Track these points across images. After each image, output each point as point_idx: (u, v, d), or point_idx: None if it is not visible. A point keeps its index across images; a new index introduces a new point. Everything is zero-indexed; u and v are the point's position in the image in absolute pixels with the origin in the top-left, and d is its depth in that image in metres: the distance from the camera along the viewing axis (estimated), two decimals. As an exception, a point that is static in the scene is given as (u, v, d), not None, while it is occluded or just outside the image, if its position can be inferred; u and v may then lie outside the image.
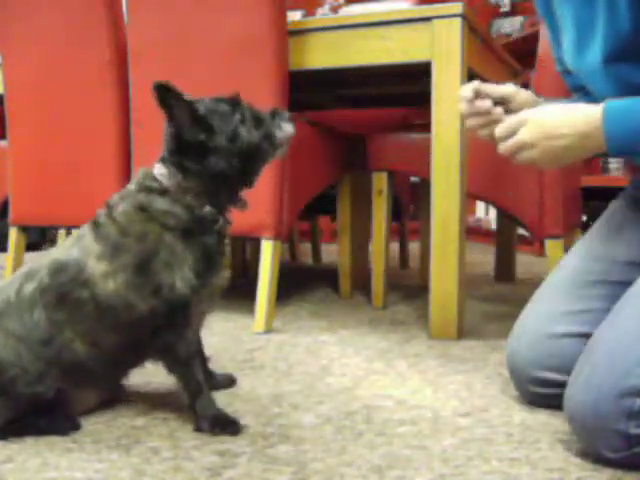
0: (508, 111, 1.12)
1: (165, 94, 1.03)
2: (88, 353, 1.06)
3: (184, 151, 1.09)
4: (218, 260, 1.12)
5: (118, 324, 1.06)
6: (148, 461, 0.96)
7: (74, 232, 1.15)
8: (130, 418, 1.14)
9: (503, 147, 1.05)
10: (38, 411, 1.05)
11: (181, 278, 1.06)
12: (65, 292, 1.05)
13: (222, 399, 1.23)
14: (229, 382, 1.33)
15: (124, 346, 1.09)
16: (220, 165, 1.09)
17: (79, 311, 1.05)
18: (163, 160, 1.11)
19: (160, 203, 1.08)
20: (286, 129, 1.18)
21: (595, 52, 1.08)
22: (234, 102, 1.13)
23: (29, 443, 1.03)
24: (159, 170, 1.10)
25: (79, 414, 1.12)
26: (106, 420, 1.13)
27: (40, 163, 2.11)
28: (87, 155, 2.04)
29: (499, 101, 1.12)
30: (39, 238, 3.65)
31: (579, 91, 1.25)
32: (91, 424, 1.11)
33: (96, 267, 1.05)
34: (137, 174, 1.13)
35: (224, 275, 1.16)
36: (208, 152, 1.08)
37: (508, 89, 1.14)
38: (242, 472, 0.93)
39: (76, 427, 1.09)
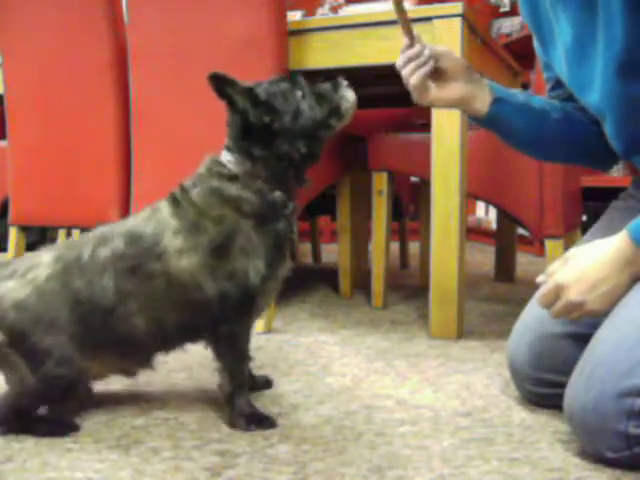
0: (438, 70, 1.15)
1: (221, 83, 1.05)
2: (145, 328, 1.07)
3: (250, 137, 1.10)
4: (286, 249, 1.14)
5: (183, 303, 1.07)
6: (148, 461, 0.96)
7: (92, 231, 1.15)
8: (130, 418, 1.14)
9: (553, 314, 1.03)
10: (60, 393, 1.05)
11: (254, 267, 1.07)
12: (138, 263, 1.06)
13: (222, 399, 1.23)
14: (266, 383, 1.32)
15: (182, 326, 1.09)
16: (286, 147, 1.10)
17: (148, 284, 1.06)
18: (228, 148, 1.12)
19: (232, 189, 1.09)
20: (349, 97, 1.17)
21: (599, 61, 1.06)
22: (293, 80, 1.13)
23: (29, 443, 1.03)
24: (226, 157, 1.12)
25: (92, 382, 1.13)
26: (106, 420, 1.13)
27: (40, 163, 2.10)
28: (87, 155, 2.04)
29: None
30: (39, 238, 3.64)
31: (568, 102, 1.24)
32: (91, 424, 1.11)
33: (171, 242, 1.06)
34: (205, 161, 1.14)
35: (288, 265, 1.16)
36: (274, 135, 1.09)
37: (439, 48, 1.16)
38: (242, 472, 0.93)
39: (75, 429, 1.09)
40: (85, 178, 2.05)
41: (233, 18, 1.77)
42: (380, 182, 2.07)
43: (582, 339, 1.03)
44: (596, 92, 1.08)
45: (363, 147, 2.14)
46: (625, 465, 0.92)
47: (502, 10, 4.13)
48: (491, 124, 1.22)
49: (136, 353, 1.12)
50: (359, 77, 2.10)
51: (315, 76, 1.97)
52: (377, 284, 2.11)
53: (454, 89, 1.17)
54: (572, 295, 0.99)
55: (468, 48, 1.71)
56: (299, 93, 1.11)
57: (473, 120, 1.25)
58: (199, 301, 1.07)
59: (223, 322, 1.09)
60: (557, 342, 1.14)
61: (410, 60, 1.13)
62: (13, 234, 2.20)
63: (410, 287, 2.52)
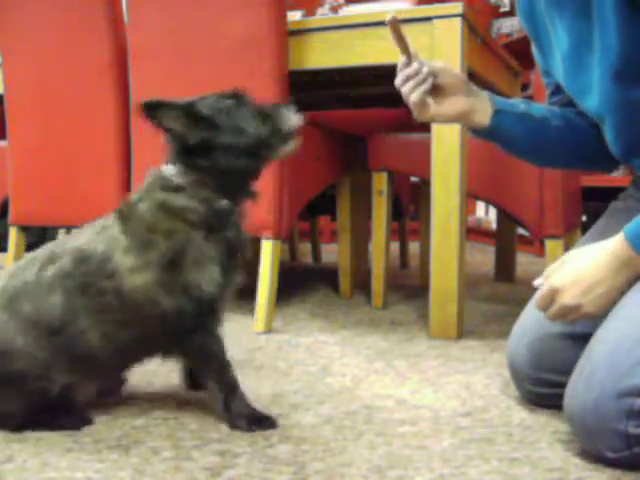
0: (436, 86, 1.15)
1: (151, 111, 1.05)
2: (100, 344, 1.06)
3: (190, 150, 1.09)
4: (238, 257, 1.14)
5: (137, 319, 1.07)
6: (148, 461, 0.96)
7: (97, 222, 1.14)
8: (130, 418, 1.14)
9: (549, 316, 1.03)
10: (46, 406, 1.05)
11: (209, 276, 1.07)
12: (88, 282, 1.05)
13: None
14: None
15: (139, 341, 1.09)
16: (227, 161, 1.10)
17: (99, 301, 1.05)
18: (170, 161, 1.12)
19: (178, 200, 1.09)
20: (292, 120, 1.16)
21: (596, 68, 1.05)
22: (238, 97, 1.13)
23: (29, 443, 1.03)
24: (169, 170, 1.11)
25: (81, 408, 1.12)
26: (106, 420, 1.13)
27: (40, 163, 2.10)
28: (87, 155, 2.04)
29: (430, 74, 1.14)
30: (39, 238, 3.64)
31: (568, 107, 1.24)
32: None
33: (123, 260, 1.05)
34: (148, 175, 1.13)
35: (240, 274, 1.16)
36: (214, 149, 1.09)
37: (437, 64, 1.16)
38: (242, 472, 0.93)
39: (88, 422, 1.09)
40: (85, 178, 2.05)
41: (233, 18, 1.77)
42: (380, 182, 2.07)
43: (582, 339, 1.03)
44: (595, 98, 1.08)
45: (363, 147, 2.14)
46: (625, 465, 0.92)
47: (502, 10, 4.14)
48: (492, 136, 1.23)
49: (100, 371, 1.11)
50: (359, 77, 2.10)
51: (315, 76, 1.97)
52: (377, 284, 2.11)
53: (454, 104, 1.17)
54: (567, 298, 0.99)
55: (468, 48, 1.71)
56: (244, 111, 1.12)
57: (474, 133, 1.25)
58: (155, 316, 1.06)
59: (190, 338, 1.09)
60: (557, 342, 1.14)
61: (409, 78, 1.13)
62: (13, 234, 2.20)
63: (410, 287, 2.52)
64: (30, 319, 1.04)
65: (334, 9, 2.23)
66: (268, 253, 1.78)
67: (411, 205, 3.12)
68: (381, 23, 1.73)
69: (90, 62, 1.98)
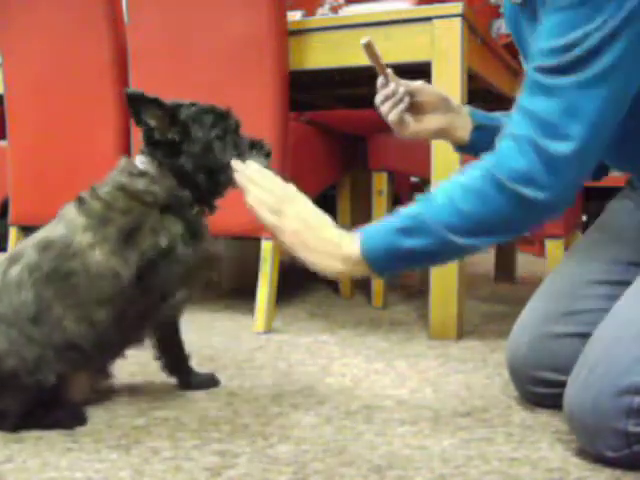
0: (415, 104, 1.19)
1: (133, 101, 1.11)
2: (78, 330, 1.06)
3: (159, 146, 1.15)
4: (202, 230, 1.18)
5: (107, 296, 1.08)
6: (148, 461, 0.96)
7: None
8: (130, 418, 1.14)
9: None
10: (43, 401, 1.06)
11: (168, 234, 1.11)
12: (55, 266, 1.07)
13: (222, 399, 1.23)
14: (212, 381, 1.32)
15: (115, 322, 1.09)
16: (189, 166, 1.15)
17: (69, 284, 1.07)
18: (142, 152, 1.17)
19: (140, 184, 1.14)
20: (259, 163, 1.17)
21: None
22: (220, 116, 1.18)
23: (29, 443, 1.03)
24: (140, 159, 1.16)
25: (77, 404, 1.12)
26: (106, 420, 1.13)
27: (40, 163, 2.11)
28: (87, 155, 2.04)
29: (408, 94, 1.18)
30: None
31: None
32: (91, 424, 1.10)
33: (82, 238, 1.08)
34: (119, 163, 1.18)
35: (212, 241, 1.22)
36: (181, 153, 1.15)
37: (414, 83, 1.19)
38: (242, 472, 0.93)
39: (84, 418, 1.10)
40: (85, 178, 2.03)
41: (233, 18, 1.77)
42: (380, 182, 2.07)
43: (581, 339, 1.03)
44: None
45: (363, 147, 2.14)
46: (625, 464, 0.92)
47: (502, 10, 4.13)
48: (473, 151, 1.25)
49: (84, 360, 1.10)
50: (359, 77, 2.10)
51: (315, 76, 1.97)
52: (377, 284, 2.11)
53: (433, 121, 1.21)
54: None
55: (468, 48, 1.71)
56: (217, 131, 1.16)
57: (457, 149, 1.27)
58: (120, 290, 1.08)
59: (157, 311, 1.15)
60: (556, 342, 1.14)
61: (387, 98, 1.17)
62: (13, 234, 2.20)
63: (410, 287, 2.52)
64: (7, 320, 1.05)
65: (334, 9, 2.23)
66: (268, 253, 1.78)
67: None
68: (381, 23, 1.74)
69: (90, 62, 1.98)
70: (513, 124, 0.95)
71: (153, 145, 1.15)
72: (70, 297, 1.07)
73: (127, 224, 1.10)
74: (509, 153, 0.93)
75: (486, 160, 0.96)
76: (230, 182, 1.16)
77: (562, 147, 0.90)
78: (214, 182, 1.18)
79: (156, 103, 1.13)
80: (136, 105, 1.12)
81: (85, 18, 1.97)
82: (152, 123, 1.13)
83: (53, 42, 2.03)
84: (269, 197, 1.03)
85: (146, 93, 1.12)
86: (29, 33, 2.05)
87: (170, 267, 1.12)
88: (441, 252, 0.98)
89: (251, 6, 1.74)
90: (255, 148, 1.19)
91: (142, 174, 1.14)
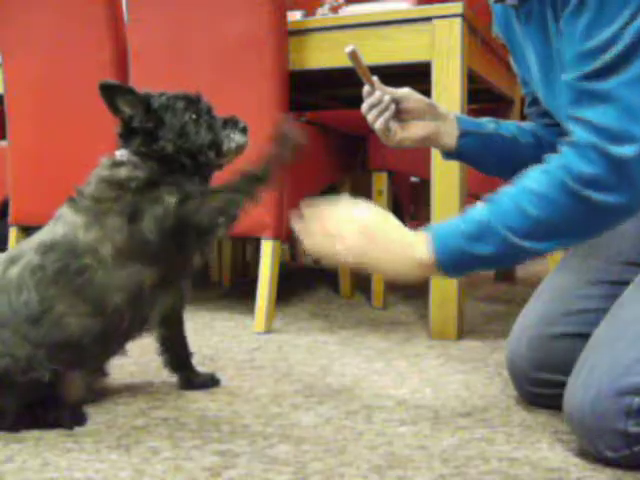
0: (401, 111, 1.19)
1: (107, 91, 1.16)
2: (80, 326, 1.06)
3: (135, 135, 1.17)
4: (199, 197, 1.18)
5: (124, 283, 1.09)
6: (148, 461, 0.96)
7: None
8: (130, 418, 1.14)
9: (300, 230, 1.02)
10: (41, 400, 1.06)
11: (168, 197, 1.12)
12: (62, 266, 1.07)
13: (222, 399, 1.23)
14: (213, 381, 1.32)
15: (126, 306, 1.10)
16: (169, 149, 1.17)
17: (80, 280, 1.07)
18: (120, 146, 1.20)
19: (122, 172, 1.15)
20: (235, 139, 1.21)
21: (562, 91, 1.03)
22: (191, 100, 1.20)
23: (29, 443, 1.03)
24: (119, 153, 1.19)
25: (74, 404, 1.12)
26: (106, 420, 1.13)
27: (40, 163, 2.10)
28: (87, 155, 2.03)
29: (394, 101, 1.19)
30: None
31: (545, 117, 1.24)
32: (91, 424, 1.10)
33: (87, 236, 1.09)
34: (99, 161, 1.21)
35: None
36: (157, 140, 1.17)
37: (400, 90, 1.19)
38: (242, 472, 0.93)
39: (84, 417, 1.10)
40: (85, 178, 2.04)
41: (233, 18, 1.77)
42: (380, 182, 2.07)
43: (581, 339, 1.03)
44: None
45: (363, 147, 2.14)
46: (625, 464, 0.92)
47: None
48: (460, 157, 1.26)
49: (83, 357, 1.10)
50: (359, 77, 2.10)
51: (315, 75, 1.97)
52: (377, 284, 2.11)
53: (419, 128, 1.21)
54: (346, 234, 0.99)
55: (468, 48, 1.71)
56: (189, 114, 1.19)
57: (444, 155, 1.27)
58: (156, 255, 1.11)
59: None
60: (556, 342, 1.14)
61: (372, 106, 1.18)
62: (13, 234, 2.20)
63: (410, 287, 2.52)
64: (1, 320, 1.05)
65: (334, 9, 2.23)
66: (268, 253, 1.78)
67: (411, 205, 3.12)
68: (381, 23, 1.75)
69: (90, 62, 1.98)
70: (572, 134, 0.93)
71: (130, 136, 1.18)
72: (81, 292, 1.07)
73: (125, 207, 1.11)
74: (575, 159, 0.90)
75: (552, 164, 0.94)
76: (212, 166, 1.20)
77: (627, 150, 0.87)
78: (197, 164, 1.19)
79: (130, 92, 1.17)
80: (111, 94, 1.16)
81: (85, 18, 1.97)
82: (129, 111, 1.16)
83: (53, 42, 2.03)
84: (320, 235, 1.00)
85: (121, 83, 1.18)
86: (29, 33, 2.05)
87: (194, 204, 1.13)
88: (509, 256, 0.98)
89: (251, 6, 1.74)
90: (229, 126, 1.21)
91: (122, 163, 1.16)
